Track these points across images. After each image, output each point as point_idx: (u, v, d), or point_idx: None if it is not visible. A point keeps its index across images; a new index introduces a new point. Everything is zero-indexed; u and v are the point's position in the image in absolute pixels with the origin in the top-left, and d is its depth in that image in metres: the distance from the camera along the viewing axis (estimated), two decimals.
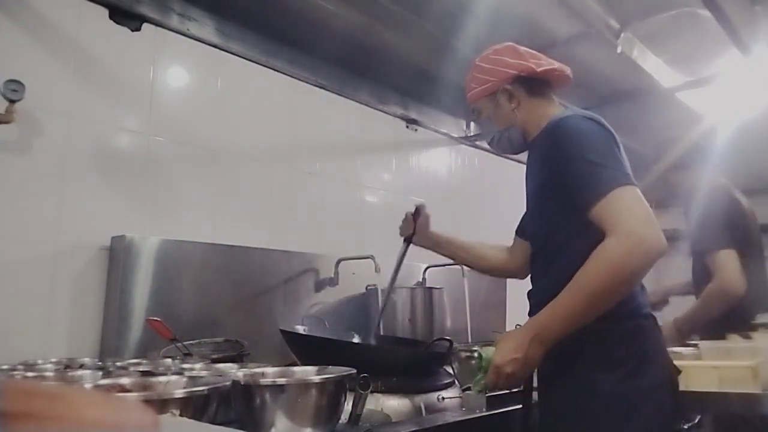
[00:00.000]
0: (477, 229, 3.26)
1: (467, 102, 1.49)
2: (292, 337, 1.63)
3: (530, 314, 1.33)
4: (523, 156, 3.89)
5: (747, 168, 2.92)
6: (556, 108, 1.40)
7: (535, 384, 1.38)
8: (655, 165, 2.37)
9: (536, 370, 1.30)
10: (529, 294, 1.40)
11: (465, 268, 2.44)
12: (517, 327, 1.24)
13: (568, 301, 1.12)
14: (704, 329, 2.03)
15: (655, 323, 1.29)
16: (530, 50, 1.41)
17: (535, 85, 1.39)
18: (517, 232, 1.66)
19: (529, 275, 1.45)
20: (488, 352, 1.22)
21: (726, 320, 1.99)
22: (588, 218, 1.15)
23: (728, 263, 2.02)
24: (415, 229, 1.71)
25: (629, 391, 1.17)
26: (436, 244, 1.72)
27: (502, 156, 3.53)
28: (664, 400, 1.21)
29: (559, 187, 1.23)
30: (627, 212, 1.10)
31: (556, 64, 1.40)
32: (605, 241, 1.10)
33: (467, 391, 1.38)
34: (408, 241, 1.74)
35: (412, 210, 1.73)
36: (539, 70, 1.36)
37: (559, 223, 1.26)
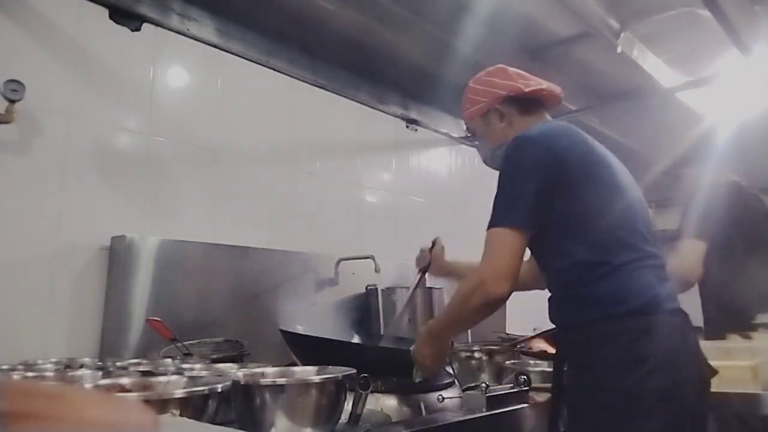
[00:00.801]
0: (477, 229, 3.26)
1: (464, 122, 1.56)
2: (292, 337, 1.63)
3: (551, 320, 1.35)
4: None
5: (747, 168, 2.92)
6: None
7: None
8: (666, 161, 2.37)
9: (555, 373, 1.34)
10: (549, 301, 1.42)
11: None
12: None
13: (441, 314, 1.37)
14: None
15: (684, 319, 1.24)
16: (519, 71, 1.46)
17: (525, 104, 1.43)
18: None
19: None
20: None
21: (728, 320, 1.99)
22: None
23: (691, 252, 2.04)
24: (430, 260, 1.80)
25: (647, 391, 1.13)
26: (450, 273, 1.81)
27: None
28: (687, 400, 1.16)
29: None
30: (488, 253, 1.22)
31: (545, 84, 1.43)
32: (471, 273, 1.25)
33: (467, 391, 1.38)
34: (423, 271, 1.83)
35: (429, 245, 1.84)
36: (527, 90, 1.41)
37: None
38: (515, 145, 1.28)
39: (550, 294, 1.33)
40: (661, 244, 1.33)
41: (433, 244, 1.83)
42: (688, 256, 2.05)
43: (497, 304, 1.21)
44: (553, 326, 1.33)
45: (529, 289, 1.71)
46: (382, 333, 1.89)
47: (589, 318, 1.21)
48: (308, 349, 1.59)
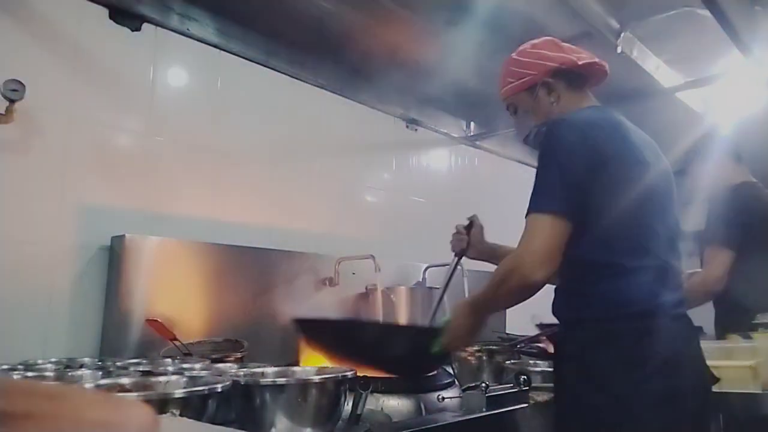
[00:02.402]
0: None
1: (501, 97, 1.46)
2: (307, 324, 1.56)
3: (554, 314, 1.35)
4: (523, 156, 3.89)
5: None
6: (592, 102, 1.40)
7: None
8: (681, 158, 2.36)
9: (555, 373, 1.33)
10: (554, 297, 1.41)
11: (465, 267, 2.44)
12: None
13: (481, 290, 1.32)
14: None
15: (687, 324, 1.24)
16: (570, 45, 1.41)
17: (575, 78, 1.38)
18: None
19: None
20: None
21: (729, 319, 2.00)
22: None
23: (717, 262, 2.04)
24: (469, 242, 1.68)
25: (645, 394, 1.13)
26: (492, 256, 1.68)
27: (503, 156, 3.54)
28: (687, 406, 1.16)
29: None
30: (525, 238, 1.19)
31: (596, 58, 1.39)
32: (502, 261, 1.25)
33: (467, 391, 1.38)
34: (460, 255, 1.70)
35: (465, 223, 1.72)
36: (581, 63, 1.36)
37: None
38: (553, 130, 1.25)
39: (556, 286, 1.32)
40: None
41: (471, 223, 1.70)
42: (714, 266, 2.04)
43: (532, 289, 1.18)
44: (554, 323, 1.33)
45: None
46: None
47: (592, 315, 1.20)
48: (323, 332, 1.53)
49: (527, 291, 1.20)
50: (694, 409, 1.18)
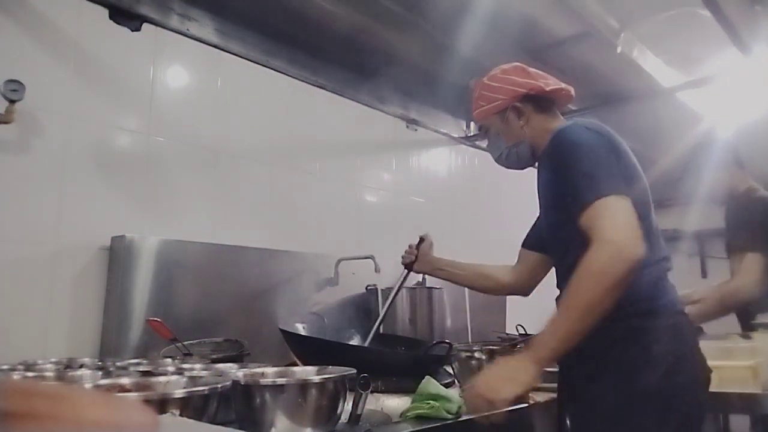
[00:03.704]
0: (477, 229, 3.26)
1: (475, 120, 1.53)
2: (291, 337, 1.63)
3: None
4: None
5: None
6: (560, 122, 1.43)
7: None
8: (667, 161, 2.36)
9: (566, 372, 1.32)
10: (558, 300, 1.39)
11: None
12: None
13: (560, 319, 1.13)
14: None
15: (689, 320, 1.27)
16: (537, 71, 1.46)
17: (543, 102, 1.44)
18: (524, 244, 1.67)
19: (556, 282, 1.44)
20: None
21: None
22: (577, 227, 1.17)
23: (754, 268, 2.04)
24: (417, 257, 1.78)
25: (667, 389, 1.15)
26: (435, 269, 1.77)
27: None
28: (699, 398, 1.20)
29: (563, 196, 1.25)
30: (607, 221, 1.12)
31: (563, 84, 1.44)
32: (588, 253, 1.12)
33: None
34: (408, 268, 1.80)
35: (416, 241, 1.81)
36: (548, 89, 1.41)
37: (575, 231, 1.22)
38: (577, 130, 1.25)
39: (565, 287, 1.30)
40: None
41: (421, 240, 1.80)
42: (751, 272, 2.03)
43: (635, 269, 1.09)
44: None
45: (514, 294, 1.73)
46: (371, 334, 1.87)
47: (617, 314, 1.14)
48: (308, 349, 1.59)
49: (632, 273, 1.09)
50: (704, 402, 1.22)
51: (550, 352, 1.14)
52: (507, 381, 1.12)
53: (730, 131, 2.68)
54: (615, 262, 1.09)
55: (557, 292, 1.34)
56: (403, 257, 1.82)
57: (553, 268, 1.48)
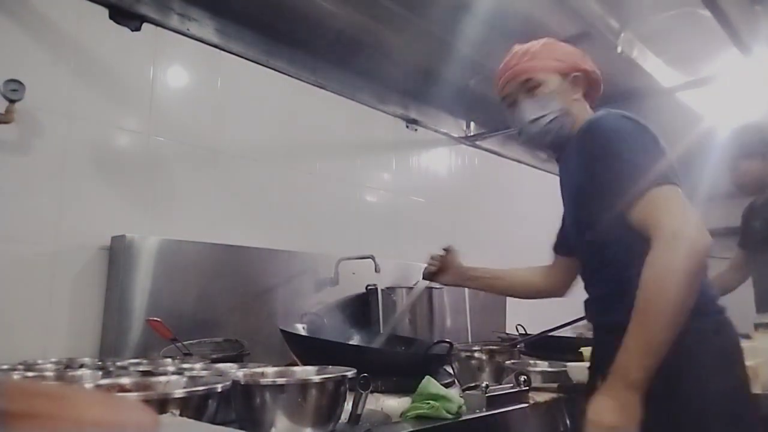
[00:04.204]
0: (477, 229, 3.26)
1: (526, 71, 1.36)
2: (291, 337, 1.63)
3: (591, 321, 1.32)
4: (522, 155, 3.89)
5: None
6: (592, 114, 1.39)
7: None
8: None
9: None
10: (588, 303, 1.34)
11: None
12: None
13: (640, 331, 1.03)
14: None
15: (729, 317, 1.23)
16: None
17: (591, 90, 1.41)
18: (554, 249, 1.60)
19: (583, 284, 1.38)
20: None
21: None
22: (628, 221, 1.12)
23: None
24: (441, 268, 1.69)
25: (740, 387, 1.13)
26: (466, 279, 1.68)
27: (503, 156, 3.54)
28: (750, 397, 1.17)
29: (601, 188, 1.18)
30: (667, 213, 1.06)
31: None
32: (652, 250, 1.04)
33: (467, 391, 1.38)
34: (429, 279, 1.73)
35: (440, 252, 1.71)
36: (598, 80, 1.40)
37: (608, 224, 1.18)
38: (617, 118, 1.20)
39: (604, 289, 1.25)
40: None
41: (447, 251, 1.70)
42: None
43: (706, 259, 1.03)
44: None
45: (552, 297, 1.64)
46: (381, 332, 1.88)
47: (696, 310, 1.06)
48: (307, 349, 1.59)
49: (704, 264, 1.03)
50: (754, 401, 1.21)
51: (644, 372, 1.02)
52: (620, 419, 1.02)
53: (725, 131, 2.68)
54: (689, 256, 1.01)
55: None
56: (425, 268, 1.73)
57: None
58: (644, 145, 1.16)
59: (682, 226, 1.03)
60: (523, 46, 1.41)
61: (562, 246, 1.56)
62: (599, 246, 1.26)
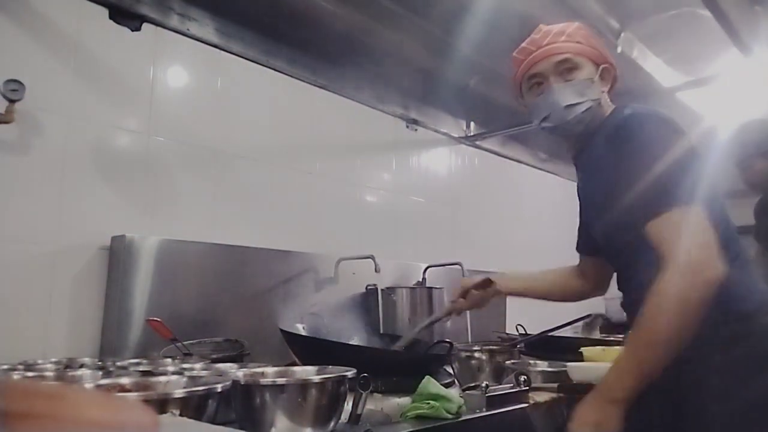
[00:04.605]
0: (477, 229, 3.26)
1: (565, 50, 1.29)
2: (291, 337, 1.63)
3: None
4: (522, 155, 3.89)
5: None
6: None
7: None
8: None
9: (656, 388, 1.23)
10: (624, 306, 1.30)
11: (465, 267, 2.44)
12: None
13: (632, 353, 1.05)
14: None
15: None
16: None
17: (613, 86, 1.38)
18: (579, 250, 1.56)
19: (617, 284, 1.35)
20: None
21: None
22: (642, 232, 1.09)
23: None
24: (474, 304, 1.65)
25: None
26: (527, 289, 1.66)
27: (503, 156, 3.54)
28: None
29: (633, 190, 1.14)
30: (680, 238, 1.03)
31: None
32: (662, 274, 1.03)
33: (467, 391, 1.38)
34: (457, 312, 1.69)
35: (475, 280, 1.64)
36: (617, 77, 1.38)
37: (639, 233, 1.14)
38: (658, 119, 1.16)
39: (632, 293, 1.22)
40: None
41: (486, 282, 1.61)
42: None
43: (715, 288, 1.01)
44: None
45: (591, 297, 1.60)
46: (381, 331, 1.87)
47: (715, 319, 1.05)
48: (308, 349, 1.59)
49: (710, 296, 1.01)
50: None
51: (626, 392, 1.04)
52: (596, 426, 1.05)
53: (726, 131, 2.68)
54: (698, 289, 1.00)
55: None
56: (452, 304, 1.67)
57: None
58: (673, 155, 1.10)
59: (697, 257, 1.02)
60: (553, 26, 1.35)
61: (586, 245, 1.52)
62: (632, 252, 1.21)
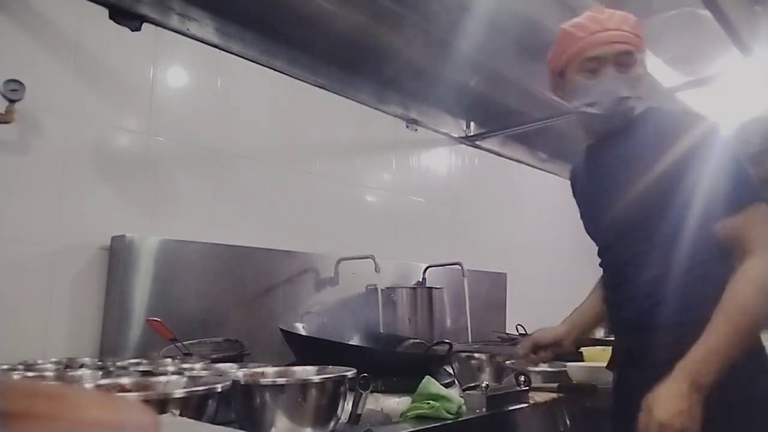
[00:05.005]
0: (476, 229, 3.26)
1: (624, 44, 1.27)
2: (291, 337, 1.63)
3: (615, 325, 1.29)
4: (522, 155, 3.89)
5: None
6: None
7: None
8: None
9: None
10: (662, 303, 1.21)
11: (465, 267, 2.44)
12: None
13: (721, 335, 1.03)
14: None
15: None
16: None
17: None
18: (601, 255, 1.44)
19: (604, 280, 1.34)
20: None
21: None
22: (712, 226, 1.11)
23: None
24: (544, 360, 1.54)
25: None
26: (583, 331, 1.54)
27: (503, 156, 3.54)
28: None
29: (682, 185, 1.15)
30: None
31: None
32: (751, 262, 1.07)
33: (467, 391, 1.38)
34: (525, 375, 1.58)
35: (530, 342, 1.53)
36: None
37: (658, 230, 1.16)
38: (696, 116, 1.21)
39: (649, 289, 1.19)
40: None
41: (557, 343, 1.48)
42: None
43: None
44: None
45: None
46: (381, 331, 1.87)
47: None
48: (307, 348, 1.59)
49: None
50: None
51: (713, 377, 1.02)
52: (682, 414, 0.99)
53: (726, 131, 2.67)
54: None
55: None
56: (525, 357, 1.52)
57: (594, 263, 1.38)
58: (737, 155, 1.16)
59: None
60: (615, 11, 1.30)
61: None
62: (639, 246, 1.21)
